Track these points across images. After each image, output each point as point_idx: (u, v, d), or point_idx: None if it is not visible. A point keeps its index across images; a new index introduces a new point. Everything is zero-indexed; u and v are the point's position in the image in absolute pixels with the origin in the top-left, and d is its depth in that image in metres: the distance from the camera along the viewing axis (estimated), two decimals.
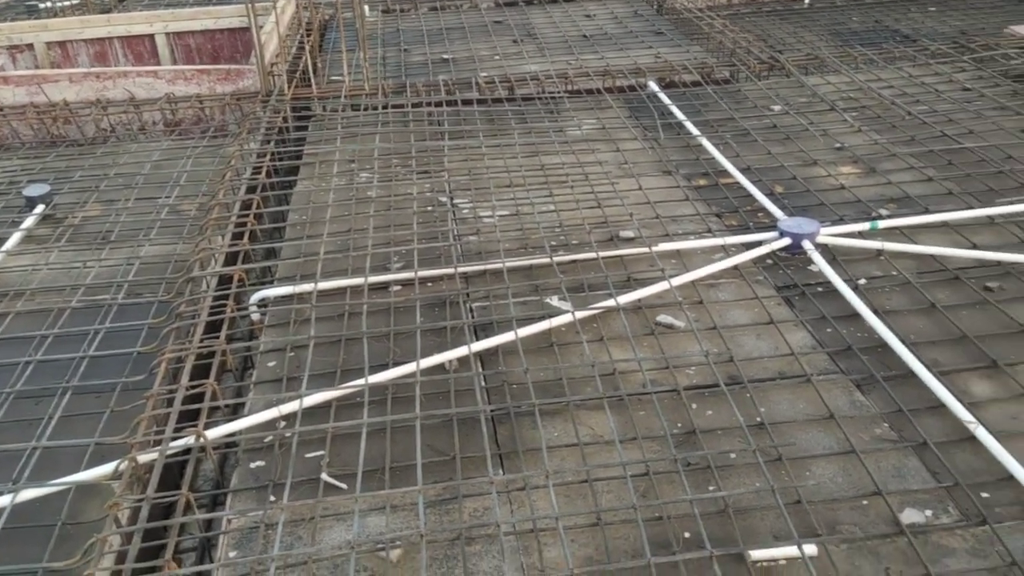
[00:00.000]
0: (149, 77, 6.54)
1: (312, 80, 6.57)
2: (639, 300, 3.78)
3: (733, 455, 2.91)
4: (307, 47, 7.29)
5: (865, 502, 2.67)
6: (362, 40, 6.68)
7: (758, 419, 3.04)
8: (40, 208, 4.95)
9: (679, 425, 3.07)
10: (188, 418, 3.25)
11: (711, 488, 2.76)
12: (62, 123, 6.39)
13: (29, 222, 4.83)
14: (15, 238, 4.65)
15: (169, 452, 2.97)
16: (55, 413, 3.32)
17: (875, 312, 3.58)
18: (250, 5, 6.20)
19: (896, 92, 6.15)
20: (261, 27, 6.68)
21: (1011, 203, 4.34)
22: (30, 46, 8.76)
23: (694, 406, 3.16)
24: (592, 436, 3.05)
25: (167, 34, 9.16)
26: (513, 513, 2.73)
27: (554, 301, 3.80)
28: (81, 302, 4.06)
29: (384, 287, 4.08)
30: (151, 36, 9.15)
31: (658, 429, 3.04)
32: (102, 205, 5.10)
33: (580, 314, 3.64)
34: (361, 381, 3.28)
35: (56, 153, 5.93)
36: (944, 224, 4.28)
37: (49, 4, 10.21)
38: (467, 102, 6.38)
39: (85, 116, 6.35)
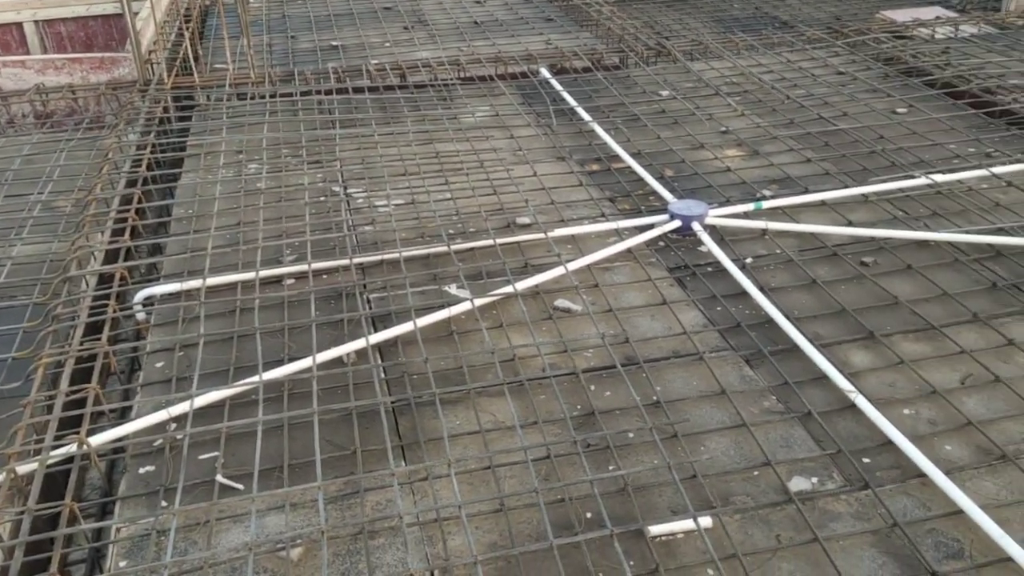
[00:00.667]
0: (16, 67, 6.16)
1: (193, 68, 6.32)
2: (536, 286, 3.81)
3: (631, 434, 2.97)
4: (187, 34, 7.01)
5: (756, 473, 2.78)
6: (245, 27, 6.47)
7: (654, 398, 3.12)
8: None
9: (578, 407, 3.12)
10: (70, 425, 3.10)
11: (611, 468, 2.82)
12: None
13: None
14: None
15: (51, 461, 2.82)
16: None
17: (761, 290, 3.72)
18: None
19: (776, 77, 6.39)
20: (136, 13, 6.38)
21: (883, 181, 4.58)
22: None
23: (592, 388, 3.21)
24: (494, 423, 3.06)
25: (36, 22, 8.65)
26: (416, 504, 2.72)
27: (452, 289, 3.79)
28: None
29: (277, 281, 3.97)
30: (19, 24, 8.63)
31: (558, 412, 3.08)
32: None
33: (479, 302, 3.64)
34: (255, 378, 3.19)
35: None
36: (822, 203, 4.48)
37: None
38: (358, 90, 6.27)
39: None
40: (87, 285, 3.86)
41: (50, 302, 3.75)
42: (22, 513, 2.61)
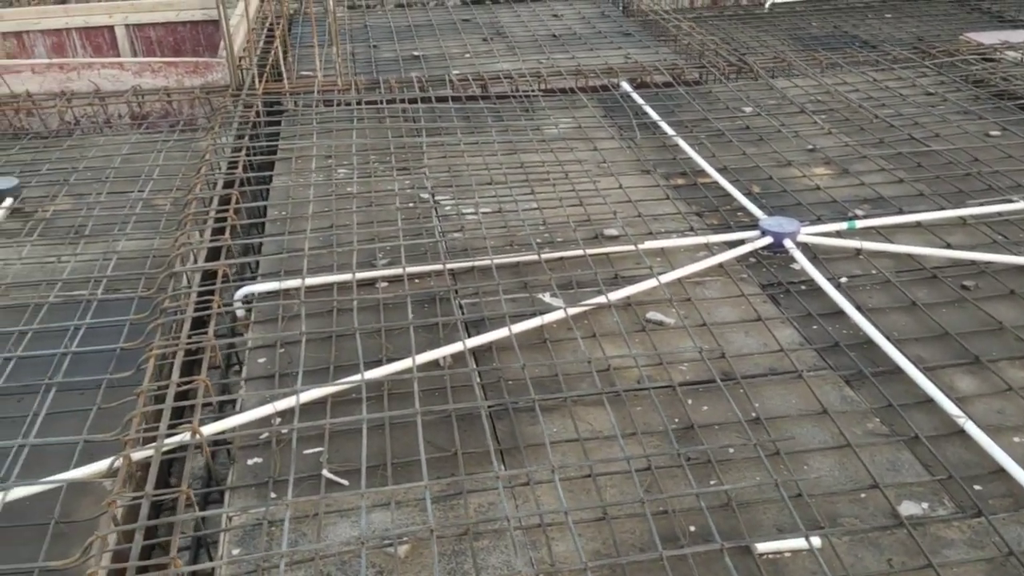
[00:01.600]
0: (115, 69, 6.39)
1: (284, 75, 6.48)
2: (628, 297, 3.82)
3: (731, 449, 2.96)
4: (276, 40, 7.21)
5: (863, 495, 2.74)
6: (335, 35, 6.62)
7: (753, 414, 3.10)
8: (8, 201, 4.80)
9: (676, 420, 3.11)
10: (176, 415, 3.20)
11: (712, 482, 2.81)
12: (24, 115, 6.20)
13: None
14: None
15: (164, 449, 2.91)
16: (40, 410, 3.22)
17: (859, 309, 3.68)
18: None
19: (862, 96, 6.31)
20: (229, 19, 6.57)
21: (981, 204, 4.49)
22: None
23: (689, 402, 3.20)
24: (591, 432, 3.07)
25: (127, 26, 8.95)
26: (518, 508, 2.74)
27: (546, 297, 3.82)
28: (58, 297, 3.95)
29: (371, 283, 4.05)
30: (111, 28, 8.92)
31: (657, 424, 3.08)
32: (72, 199, 4.97)
33: (572, 310, 3.66)
34: (357, 377, 3.25)
35: (20, 146, 5.75)
36: (918, 224, 4.40)
37: None
38: (442, 99, 6.36)
39: (49, 108, 6.17)
40: (188, 281, 3.98)
41: (155, 296, 3.88)
42: (139, 498, 2.70)
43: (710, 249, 4.26)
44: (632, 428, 3.06)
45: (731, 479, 2.82)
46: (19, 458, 2.98)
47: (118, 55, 8.93)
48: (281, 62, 6.46)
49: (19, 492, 2.81)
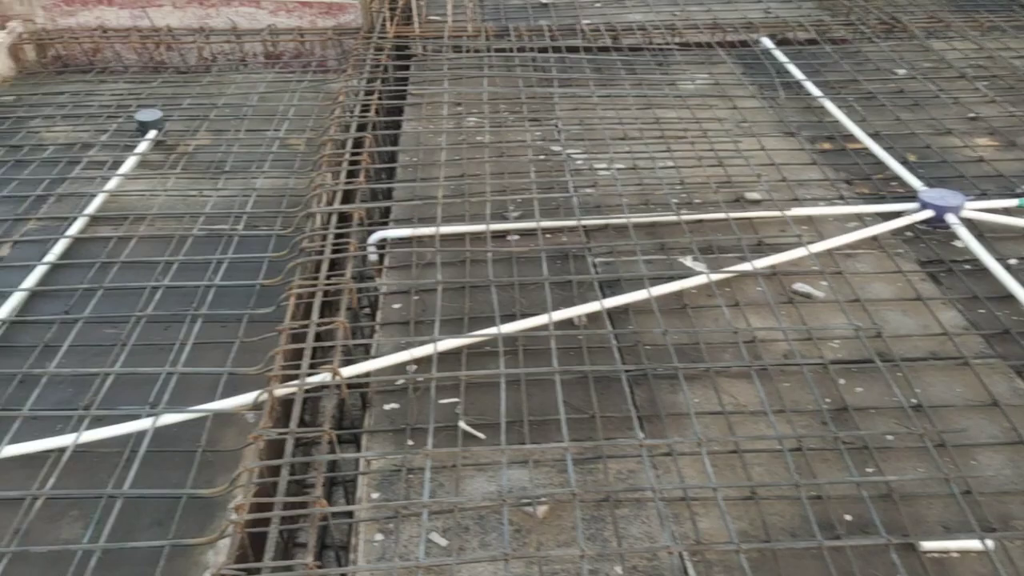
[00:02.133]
0: (251, 7, 6.45)
1: (415, 19, 6.41)
2: (774, 266, 3.63)
3: (890, 437, 2.78)
4: None
5: None
6: None
7: (914, 400, 2.90)
8: (153, 133, 4.92)
9: (827, 400, 2.94)
10: (317, 355, 3.23)
11: (869, 470, 2.64)
12: (165, 49, 6.35)
13: (143, 147, 4.80)
14: (131, 162, 4.63)
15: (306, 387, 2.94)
16: (187, 340, 3.30)
17: None
18: None
19: None
20: None
21: None
22: None
23: (842, 381, 3.02)
24: (735, 405, 2.94)
25: None
26: (659, 479, 2.65)
27: (688, 262, 3.67)
28: (202, 230, 4.03)
29: (502, 236, 3.98)
30: None
31: (806, 403, 2.92)
32: (212, 135, 5.06)
33: (715, 277, 3.51)
34: (493, 330, 3.20)
35: (162, 79, 5.90)
36: None
37: None
38: (572, 49, 6.17)
39: (188, 43, 6.30)
40: (322, 221, 3.99)
41: (293, 235, 3.92)
42: (284, 434, 2.73)
43: (862, 220, 4.00)
44: (780, 405, 2.91)
45: (891, 469, 2.65)
46: (167, 386, 3.07)
47: None
48: (414, 5, 6.38)
49: (168, 419, 2.89)
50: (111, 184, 4.41)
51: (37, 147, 4.90)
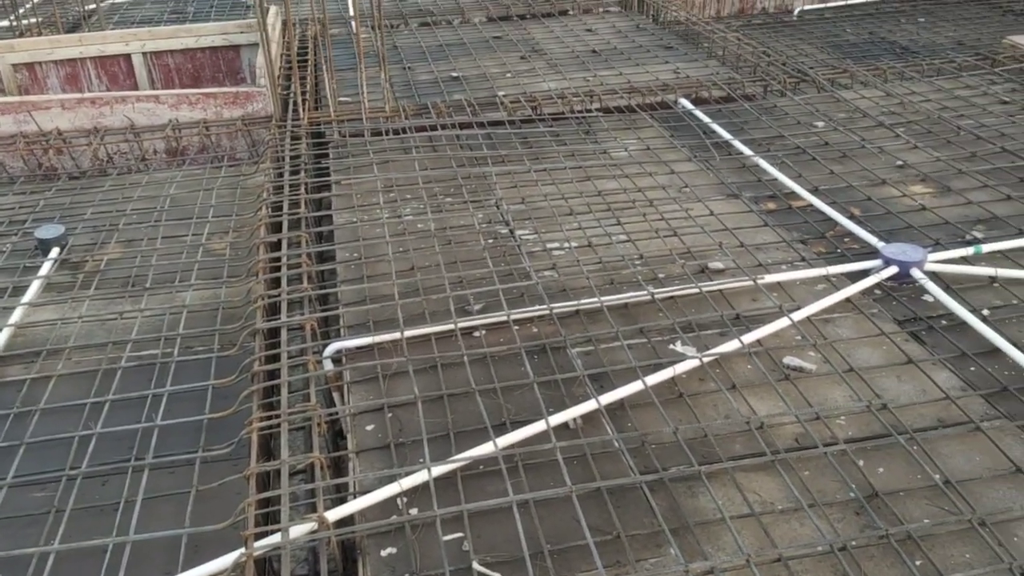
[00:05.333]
0: (150, 102, 6.04)
1: (331, 103, 6.14)
2: (759, 340, 3.49)
3: (927, 520, 2.63)
4: (310, 66, 6.88)
5: None
6: (382, 57, 6.29)
7: (938, 476, 2.77)
8: (55, 252, 4.44)
9: (853, 486, 2.78)
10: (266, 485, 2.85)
11: (918, 562, 2.47)
12: (55, 154, 5.85)
13: (46, 268, 4.31)
14: (35, 287, 4.13)
15: (289, 541, 2.56)
16: (133, 496, 2.86)
17: (1015, 346, 3.36)
18: (260, 17, 5.77)
19: (936, 106, 6.02)
20: (250, 45, 6.23)
21: None
22: None
23: (861, 462, 2.87)
24: (762, 503, 2.73)
25: (144, 54, 8.60)
26: None
27: (678, 346, 3.48)
28: (130, 360, 3.59)
29: (468, 333, 3.71)
30: (127, 56, 8.57)
31: (833, 492, 2.75)
32: (124, 246, 4.61)
33: (707, 359, 3.33)
34: (488, 446, 2.91)
35: (56, 187, 5.39)
36: None
37: (9, 23, 9.52)
38: (495, 123, 6.04)
39: (82, 146, 5.82)
40: (261, 338, 3.63)
41: (239, 355, 3.53)
42: None
43: (830, 281, 3.94)
44: (809, 498, 2.72)
45: (939, 557, 2.49)
46: (120, 559, 2.62)
47: (135, 84, 8.59)
48: (328, 89, 6.11)
49: None
50: (15, 316, 3.90)
51: None
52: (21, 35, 8.97)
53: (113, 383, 3.45)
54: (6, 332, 3.76)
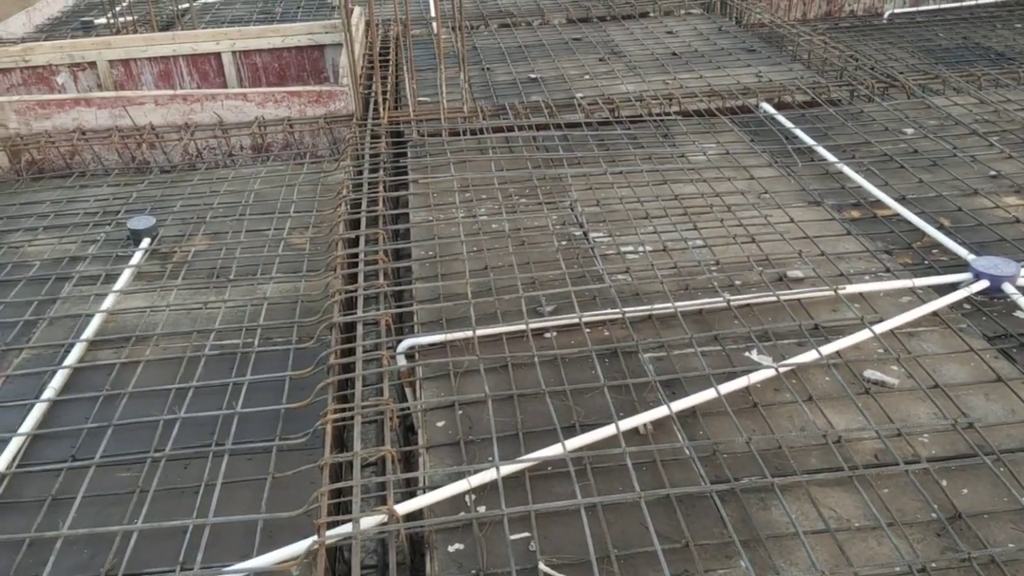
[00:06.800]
0: (238, 100, 6.23)
1: (410, 102, 6.23)
2: (839, 352, 3.40)
3: (1011, 545, 2.52)
4: (391, 66, 6.99)
5: None
6: (462, 58, 6.35)
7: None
8: (146, 242, 4.62)
9: (935, 506, 2.68)
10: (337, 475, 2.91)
11: None
12: (147, 148, 6.09)
13: (137, 257, 4.49)
14: (126, 275, 4.31)
15: (359, 533, 2.61)
16: (213, 480, 2.96)
17: None
18: (345, 17, 5.89)
19: None
20: (335, 45, 6.36)
21: None
22: (92, 64, 8.49)
23: (944, 483, 2.77)
24: (837, 520, 2.66)
25: (233, 52, 8.87)
26: None
27: (754, 355, 3.42)
28: (214, 349, 3.71)
29: (539, 333, 3.71)
30: (217, 55, 8.86)
31: (913, 511, 2.66)
32: (210, 238, 4.77)
33: (783, 369, 3.26)
34: (556, 448, 2.91)
35: (148, 180, 5.61)
36: None
37: (106, 20, 9.95)
38: (572, 125, 6.03)
39: (173, 141, 6.04)
40: (338, 332, 3.70)
41: (316, 348, 3.62)
42: None
43: (916, 294, 3.81)
44: (887, 516, 2.64)
45: None
46: (198, 539, 2.71)
47: (224, 82, 8.87)
48: (408, 89, 6.21)
49: None
50: (107, 302, 4.07)
51: (21, 264, 4.56)
52: (117, 32, 9.37)
53: (197, 370, 3.57)
54: (99, 318, 3.93)
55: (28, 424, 3.26)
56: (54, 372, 3.55)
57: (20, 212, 5.20)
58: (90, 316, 3.97)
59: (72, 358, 3.65)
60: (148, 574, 2.62)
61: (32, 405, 3.36)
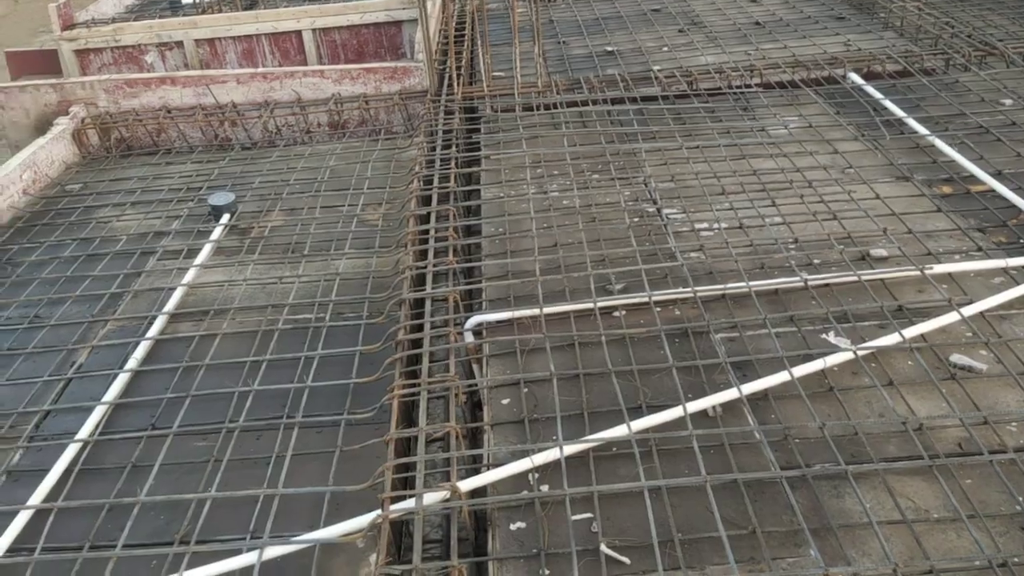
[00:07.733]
0: (316, 77, 6.32)
1: (484, 77, 6.20)
2: (924, 335, 3.24)
3: None
4: (467, 41, 6.97)
5: None
6: (537, 32, 6.27)
7: None
8: (226, 218, 4.74)
9: (1020, 499, 2.53)
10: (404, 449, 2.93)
11: None
12: (229, 125, 6.24)
13: (217, 233, 4.61)
14: (207, 250, 4.43)
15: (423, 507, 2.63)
16: (284, 451, 3.03)
17: None
18: None
19: None
20: (411, 21, 6.35)
21: None
22: (179, 43, 8.74)
23: None
24: (915, 510, 2.54)
25: (314, 30, 8.99)
26: None
27: (831, 337, 3.29)
28: (287, 323, 3.79)
29: (608, 312, 3.65)
30: (298, 32, 9.00)
31: (997, 503, 2.52)
32: (286, 214, 4.86)
33: (863, 352, 3.13)
34: (622, 429, 2.86)
35: (229, 157, 5.75)
36: None
37: (192, 1, 10.22)
38: (648, 98, 5.89)
39: (253, 118, 6.17)
40: (414, 307, 3.72)
41: (385, 324, 3.65)
42: (409, 571, 2.42)
43: (1009, 275, 3.59)
44: (969, 508, 2.51)
45: None
46: (268, 509, 2.78)
47: (304, 59, 9.00)
48: (482, 64, 6.17)
49: (273, 552, 2.60)
50: (188, 276, 4.20)
51: (108, 239, 4.74)
52: (203, 12, 9.61)
53: (271, 344, 3.66)
54: (180, 291, 4.06)
55: (111, 393, 3.39)
56: (137, 343, 3.68)
57: (109, 188, 5.41)
58: (172, 290, 4.10)
59: (154, 330, 3.79)
60: (220, 540, 2.70)
61: (115, 375, 3.50)
